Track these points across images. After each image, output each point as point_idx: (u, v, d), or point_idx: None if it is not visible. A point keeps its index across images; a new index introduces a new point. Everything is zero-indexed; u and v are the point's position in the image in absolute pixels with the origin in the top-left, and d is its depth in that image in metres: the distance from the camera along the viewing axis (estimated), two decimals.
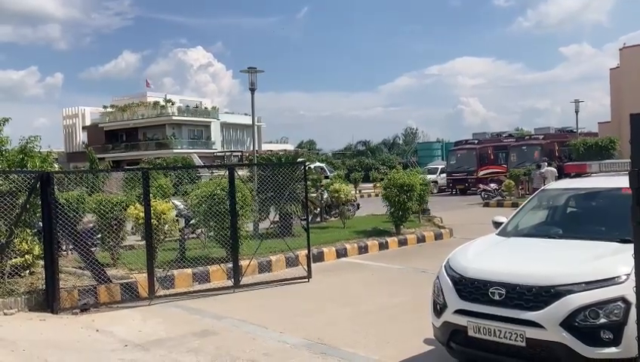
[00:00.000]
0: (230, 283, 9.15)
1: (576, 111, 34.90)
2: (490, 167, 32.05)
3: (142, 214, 9.02)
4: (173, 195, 13.52)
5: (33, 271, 8.82)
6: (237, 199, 9.42)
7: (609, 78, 37.54)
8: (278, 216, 13.03)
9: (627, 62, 34.25)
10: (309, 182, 14.11)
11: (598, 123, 38.02)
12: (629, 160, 3.44)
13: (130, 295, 8.47)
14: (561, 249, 5.18)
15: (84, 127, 61.42)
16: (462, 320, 4.65)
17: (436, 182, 32.86)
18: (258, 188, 13.12)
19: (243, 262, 9.46)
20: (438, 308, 4.97)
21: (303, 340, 6.32)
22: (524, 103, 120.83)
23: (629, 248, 4.31)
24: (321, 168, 37.02)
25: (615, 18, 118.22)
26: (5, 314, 7.62)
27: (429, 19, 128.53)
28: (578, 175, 7.03)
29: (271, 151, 38.12)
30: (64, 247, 10.75)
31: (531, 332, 4.25)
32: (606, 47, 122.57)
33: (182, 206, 12.06)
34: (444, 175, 34.19)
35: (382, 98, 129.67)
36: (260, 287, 9.21)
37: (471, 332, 4.57)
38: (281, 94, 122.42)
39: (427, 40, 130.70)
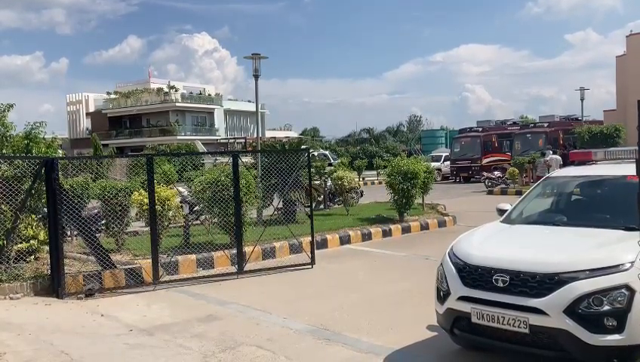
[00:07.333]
0: (234, 269, 9.18)
1: (582, 99, 34.74)
2: (494, 155, 31.95)
3: (146, 200, 9.05)
4: (177, 182, 13.53)
5: (38, 257, 8.89)
6: (241, 186, 9.43)
7: (615, 66, 37.21)
8: (281, 202, 13.05)
9: (633, 50, 33.87)
10: (312, 170, 14.10)
11: (604, 111, 37.76)
12: (635, 147, 3.42)
13: (134, 280, 8.52)
14: (565, 236, 5.17)
15: (87, 114, 61.28)
16: (465, 307, 4.65)
17: (440, 169, 32.79)
18: (262, 174, 13.13)
19: (247, 249, 9.49)
20: (442, 295, 4.97)
21: (307, 326, 6.36)
22: (530, 91, 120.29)
23: (634, 236, 4.34)
24: (325, 155, 36.99)
25: (629, 3, 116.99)
26: (11, 298, 7.69)
27: (434, 6, 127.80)
28: (583, 162, 6.99)
29: (274, 138, 38.11)
30: (69, 233, 10.81)
31: (535, 319, 4.25)
32: (613, 34, 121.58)
33: (186, 192, 12.08)
34: (448, 163, 34.09)
35: (386, 85, 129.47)
36: (263, 273, 9.24)
37: (474, 319, 4.58)
38: (286, 81, 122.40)
39: (432, 26, 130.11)
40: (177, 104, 54.93)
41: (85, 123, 61.45)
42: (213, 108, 58.20)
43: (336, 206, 17.11)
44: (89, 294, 8.05)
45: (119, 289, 8.34)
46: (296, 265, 9.61)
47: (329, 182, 17.15)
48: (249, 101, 58.40)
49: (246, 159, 15.63)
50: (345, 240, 12.00)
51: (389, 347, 5.55)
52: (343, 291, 7.99)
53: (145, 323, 6.70)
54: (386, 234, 12.89)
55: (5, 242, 8.17)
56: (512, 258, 4.68)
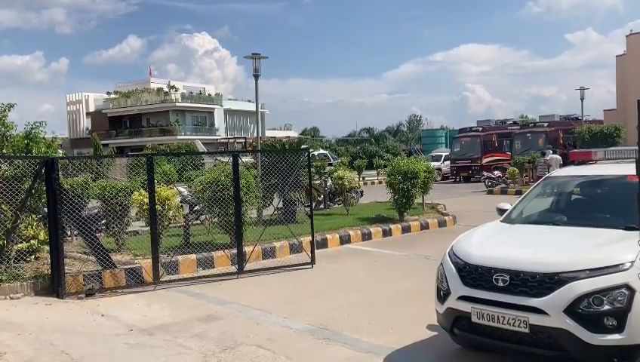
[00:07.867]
0: (234, 268, 9.18)
1: (582, 99, 34.73)
2: (494, 155, 31.93)
3: (146, 200, 9.05)
4: (178, 181, 13.54)
5: (39, 256, 8.89)
6: (241, 185, 9.43)
7: (615, 65, 37.16)
8: (281, 202, 13.05)
9: (633, 49, 33.81)
10: (312, 169, 14.10)
11: (604, 110, 37.73)
12: (635, 147, 3.42)
13: (135, 280, 8.52)
14: (565, 236, 5.17)
15: (87, 113, 61.26)
16: (465, 307, 4.65)
17: (440, 169, 32.77)
18: (262, 174, 13.13)
19: (247, 248, 9.49)
20: (442, 295, 4.97)
21: (307, 325, 6.36)
22: (530, 90, 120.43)
23: (634, 235, 4.33)
24: (325, 155, 36.97)
25: (629, 3, 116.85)
26: (12, 298, 7.69)
27: (434, 6, 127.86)
28: (583, 162, 6.99)
29: (274, 138, 38.10)
30: (69, 233, 10.82)
31: (535, 319, 4.25)
32: (613, 33, 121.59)
33: (186, 192, 12.08)
34: (448, 162, 34.08)
35: (386, 85, 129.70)
36: (263, 273, 9.24)
37: (474, 319, 4.58)
38: (286, 81, 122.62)
39: (432, 26, 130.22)
40: (177, 104, 54.92)
41: (85, 123, 61.44)
42: (213, 108, 58.20)
43: (336, 206, 17.12)
44: (89, 294, 8.05)
45: (119, 289, 8.35)
46: (296, 265, 9.61)
47: (329, 182, 17.14)
48: (249, 101, 58.43)
49: (246, 159, 15.63)
50: (345, 240, 12.00)
51: (389, 346, 5.55)
52: (343, 291, 7.99)
53: (145, 322, 6.70)
54: (386, 233, 12.89)
55: (5, 242, 8.17)
56: (512, 257, 4.68)
